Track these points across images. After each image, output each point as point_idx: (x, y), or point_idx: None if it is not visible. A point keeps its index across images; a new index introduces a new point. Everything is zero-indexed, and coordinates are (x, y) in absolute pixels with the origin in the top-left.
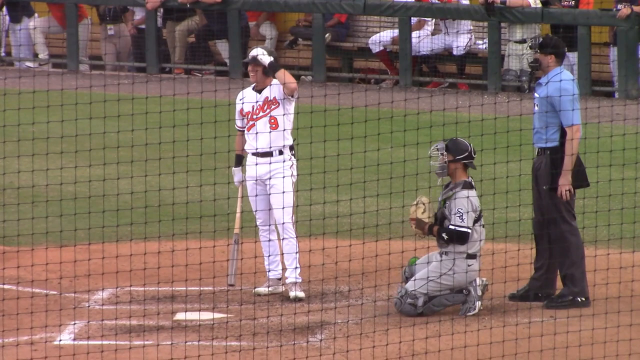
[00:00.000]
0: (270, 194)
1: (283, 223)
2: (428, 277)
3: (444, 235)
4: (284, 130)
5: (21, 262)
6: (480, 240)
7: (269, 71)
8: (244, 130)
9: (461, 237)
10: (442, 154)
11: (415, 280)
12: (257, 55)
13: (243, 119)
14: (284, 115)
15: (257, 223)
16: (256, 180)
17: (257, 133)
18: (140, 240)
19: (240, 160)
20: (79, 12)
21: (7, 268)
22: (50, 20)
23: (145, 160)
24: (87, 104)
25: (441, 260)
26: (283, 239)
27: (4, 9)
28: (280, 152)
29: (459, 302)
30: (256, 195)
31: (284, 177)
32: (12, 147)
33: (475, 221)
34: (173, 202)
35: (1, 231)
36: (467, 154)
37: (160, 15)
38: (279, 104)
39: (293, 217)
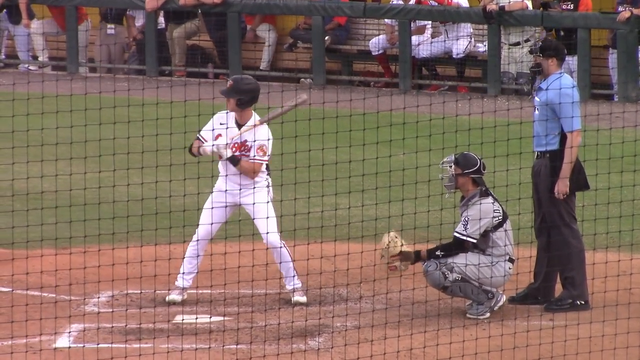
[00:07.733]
0: (244, 208)
1: (268, 233)
2: (479, 263)
3: (437, 253)
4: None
5: (16, 266)
6: (506, 245)
7: (243, 105)
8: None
9: (459, 245)
10: (450, 167)
11: (458, 258)
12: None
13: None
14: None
15: (197, 235)
16: (226, 191)
17: (228, 171)
18: (139, 244)
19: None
20: (79, 13)
21: (4, 273)
22: (48, 22)
23: (141, 167)
24: (83, 109)
25: (487, 255)
26: (269, 248)
27: (4, 11)
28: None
29: (479, 300)
30: (212, 208)
31: (254, 187)
32: (16, 151)
33: (496, 227)
34: (170, 208)
35: None
36: (475, 168)
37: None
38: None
39: (277, 227)
